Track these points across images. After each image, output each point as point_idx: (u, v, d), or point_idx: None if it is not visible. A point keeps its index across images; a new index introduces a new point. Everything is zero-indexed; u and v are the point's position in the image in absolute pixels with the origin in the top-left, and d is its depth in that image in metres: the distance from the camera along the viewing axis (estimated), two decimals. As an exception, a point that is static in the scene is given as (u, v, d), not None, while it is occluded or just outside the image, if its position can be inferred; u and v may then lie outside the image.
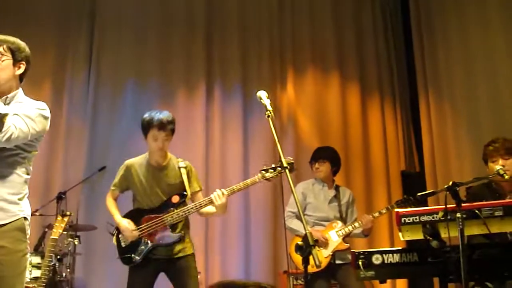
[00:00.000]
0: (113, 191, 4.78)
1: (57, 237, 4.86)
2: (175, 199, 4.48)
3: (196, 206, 4.42)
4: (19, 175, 3.11)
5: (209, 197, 4.39)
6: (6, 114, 2.95)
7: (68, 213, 5.08)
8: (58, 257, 5.67)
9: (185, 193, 4.51)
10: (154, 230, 4.45)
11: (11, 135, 2.92)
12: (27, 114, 3.05)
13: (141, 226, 4.47)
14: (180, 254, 4.48)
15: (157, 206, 4.52)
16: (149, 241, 4.45)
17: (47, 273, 4.84)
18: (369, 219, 5.30)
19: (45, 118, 3.17)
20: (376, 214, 5.37)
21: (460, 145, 6.59)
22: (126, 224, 4.48)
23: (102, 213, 6.63)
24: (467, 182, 3.69)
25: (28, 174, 3.20)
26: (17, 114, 3.01)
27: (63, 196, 6.23)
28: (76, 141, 7.00)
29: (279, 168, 4.30)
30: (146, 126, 4.55)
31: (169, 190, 4.54)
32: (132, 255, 4.47)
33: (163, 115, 4.51)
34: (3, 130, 2.90)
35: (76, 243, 5.89)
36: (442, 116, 6.94)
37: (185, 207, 4.44)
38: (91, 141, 6.97)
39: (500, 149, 4.30)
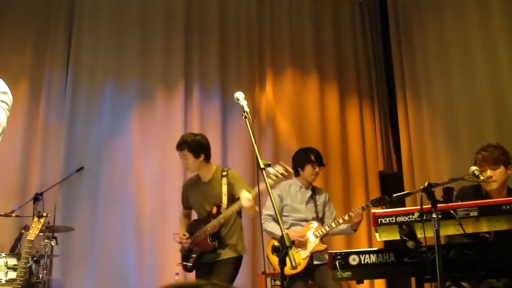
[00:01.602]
0: (183, 210, 5.35)
1: (33, 239, 4.82)
2: (214, 210, 4.88)
3: (228, 213, 4.78)
4: None
5: (238, 202, 4.69)
6: None
7: (44, 214, 5.03)
8: (35, 258, 5.62)
9: (221, 204, 4.85)
10: (200, 239, 4.91)
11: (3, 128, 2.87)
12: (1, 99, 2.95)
13: (193, 235, 4.98)
14: (218, 258, 4.87)
15: (205, 217, 4.96)
16: (196, 249, 4.98)
17: (23, 274, 4.79)
18: (359, 212, 5.30)
19: (5, 93, 2.96)
20: (359, 210, 5.33)
21: (438, 145, 6.64)
22: (182, 236, 5.05)
23: (79, 214, 6.61)
24: (443, 183, 3.73)
25: None
26: None
27: (40, 197, 6.18)
28: (54, 141, 6.93)
29: (280, 175, 4.42)
30: None
31: (214, 202, 4.93)
32: (185, 262, 5.05)
33: (183, 136, 5.05)
34: None
35: (53, 244, 5.83)
36: (419, 117, 6.99)
37: (219, 216, 4.79)
38: (69, 141, 6.91)
39: (489, 159, 4.27)
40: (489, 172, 4.18)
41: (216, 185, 4.96)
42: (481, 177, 3.82)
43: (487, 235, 3.97)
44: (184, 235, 5.01)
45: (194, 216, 5.28)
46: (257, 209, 4.71)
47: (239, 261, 4.95)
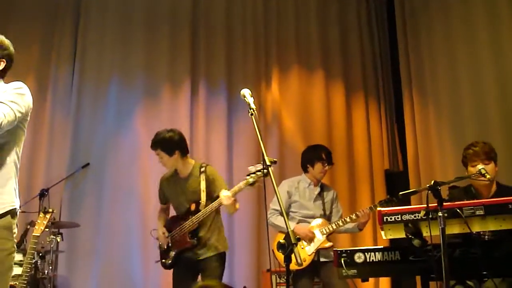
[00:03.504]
0: (160, 206, 5.24)
1: (39, 234, 4.81)
2: (192, 207, 4.79)
3: (206, 210, 4.68)
4: (10, 164, 3.11)
5: (218, 199, 4.63)
6: None
7: (50, 210, 5.03)
8: (40, 254, 5.64)
9: (200, 201, 4.76)
10: (178, 236, 4.85)
11: (1, 122, 2.90)
12: (10, 99, 3.04)
13: (172, 233, 4.92)
14: (202, 257, 4.79)
15: (183, 214, 4.89)
16: (175, 247, 4.88)
17: (29, 270, 4.79)
18: (366, 212, 5.31)
19: (24, 94, 3.13)
20: (367, 210, 5.34)
21: (444, 144, 6.62)
22: (160, 232, 4.99)
23: (85, 210, 6.63)
24: (449, 182, 3.72)
25: (18, 160, 3.18)
26: (1, 102, 2.98)
27: (46, 193, 6.21)
28: (60, 138, 6.95)
29: (259, 173, 4.32)
30: None
31: (192, 198, 4.84)
32: (164, 260, 4.96)
33: (154, 135, 4.92)
34: None
35: (59, 240, 5.85)
36: (425, 115, 6.97)
37: (197, 215, 4.72)
38: (75, 138, 6.93)
39: (481, 153, 4.29)
40: (480, 167, 4.17)
41: (194, 181, 4.88)
42: (488, 176, 3.81)
43: (482, 234, 3.99)
44: (163, 232, 4.96)
45: (172, 212, 5.19)
46: (238, 207, 4.75)
47: (223, 258, 4.90)
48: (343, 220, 5.31)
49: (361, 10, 8.17)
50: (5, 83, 3.22)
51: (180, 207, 4.95)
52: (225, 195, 4.57)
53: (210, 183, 4.83)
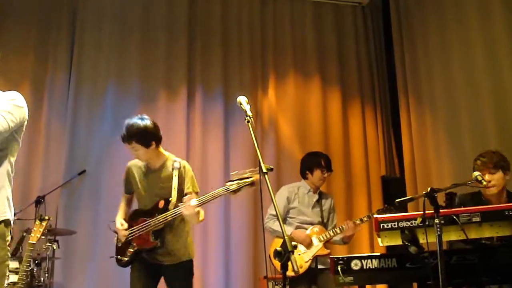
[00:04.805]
0: (123, 195, 4.73)
1: (35, 242, 4.82)
2: (161, 204, 4.34)
3: (171, 215, 4.25)
4: (2, 173, 3.07)
5: (179, 206, 4.22)
6: None
7: (46, 217, 5.03)
8: (36, 261, 5.63)
9: (170, 198, 4.31)
10: (140, 234, 4.37)
11: None
12: (3, 109, 3.01)
13: (133, 228, 4.41)
14: (165, 263, 4.40)
15: (149, 209, 4.42)
16: (135, 245, 4.40)
17: (25, 278, 4.79)
18: (351, 226, 5.30)
19: (20, 107, 3.11)
20: (358, 221, 5.35)
21: (440, 150, 6.63)
22: (118, 225, 4.46)
23: (81, 217, 6.61)
24: (446, 188, 3.73)
25: (12, 171, 3.16)
26: None
27: (42, 200, 6.20)
28: (56, 145, 6.93)
29: (243, 181, 4.04)
30: None
31: (161, 193, 4.41)
32: (120, 256, 4.47)
33: (127, 125, 4.37)
34: None
35: (55, 247, 5.83)
36: (422, 121, 6.99)
37: (163, 214, 4.28)
38: (71, 144, 6.91)
39: (488, 163, 4.33)
40: (487, 177, 4.22)
41: (166, 175, 4.44)
42: (484, 183, 3.82)
43: (488, 241, 3.97)
44: (122, 224, 4.46)
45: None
46: (202, 218, 4.35)
47: (190, 266, 4.49)
48: (340, 227, 5.31)
49: (357, 16, 8.21)
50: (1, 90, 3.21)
51: (145, 201, 4.49)
52: (188, 204, 4.12)
53: (182, 180, 4.41)
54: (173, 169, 4.42)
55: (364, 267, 3.71)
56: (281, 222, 2.91)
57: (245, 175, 4.03)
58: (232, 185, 4.03)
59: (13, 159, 3.17)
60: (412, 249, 3.50)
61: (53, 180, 6.70)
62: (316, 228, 5.38)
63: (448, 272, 3.21)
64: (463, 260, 3.61)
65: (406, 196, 4.04)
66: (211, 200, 4.16)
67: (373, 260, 3.72)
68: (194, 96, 7.35)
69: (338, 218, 5.74)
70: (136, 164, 4.60)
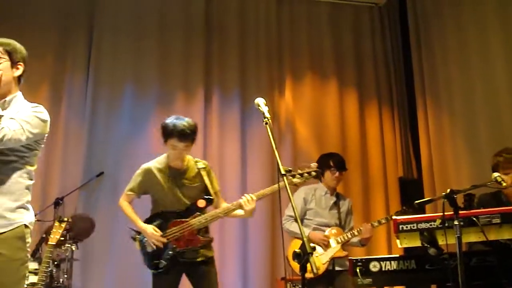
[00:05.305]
0: (129, 196, 4.71)
1: (54, 243, 4.84)
2: (202, 203, 4.45)
3: (225, 211, 4.45)
4: (19, 181, 3.09)
5: (237, 201, 4.39)
6: (1, 116, 2.94)
7: (65, 219, 5.05)
8: (56, 263, 5.65)
9: (211, 197, 4.49)
10: (182, 235, 4.43)
11: (3, 136, 2.90)
12: (23, 118, 3.04)
13: (168, 231, 4.46)
14: (202, 258, 4.49)
15: (183, 211, 4.49)
16: (176, 246, 4.44)
17: (44, 279, 4.82)
18: (368, 228, 5.29)
19: (43, 120, 3.15)
20: (376, 224, 5.35)
21: (458, 151, 6.59)
22: (153, 231, 4.46)
23: (99, 218, 6.63)
24: (465, 190, 3.70)
25: (30, 179, 3.18)
26: (13, 118, 3.00)
27: (61, 201, 6.23)
28: (74, 146, 6.96)
29: (306, 174, 4.37)
30: (167, 134, 4.45)
31: (192, 194, 4.51)
32: (160, 260, 4.46)
33: (186, 124, 4.41)
34: None
35: (74, 249, 5.86)
36: (439, 123, 6.95)
37: (212, 212, 4.47)
38: (89, 146, 6.94)
39: None
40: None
41: (193, 175, 4.55)
42: (504, 184, 3.79)
43: (509, 243, 3.94)
44: (156, 230, 4.44)
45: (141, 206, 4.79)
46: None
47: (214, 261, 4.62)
48: (358, 229, 5.30)
49: (374, 17, 8.18)
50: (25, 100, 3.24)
51: (171, 203, 4.51)
52: (248, 198, 4.36)
53: (211, 180, 4.58)
54: (199, 169, 4.55)
55: (383, 269, 3.71)
56: (299, 223, 2.91)
57: (306, 170, 4.29)
58: (293, 178, 4.29)
59: (31, 168, 3.20)
60: (432, 251, 3.49)
61: (71, 182, 6.74)
62: (334, 230, 5.37)
63: (467, 274, 3.19)
64: (483, 262, 3.59)
65: (423, 198, 4.03)
66: (270, 193, 4.44)
67: (392, 262, 3.71)
68: (211, 98, 7.36)
69: (355, 219, 5.75)
70: (156, 166, 4.61)
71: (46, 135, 3.24)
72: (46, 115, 3.19)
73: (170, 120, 4.47)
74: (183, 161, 4.56)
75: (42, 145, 3.26)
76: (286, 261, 5.22)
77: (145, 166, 4.66)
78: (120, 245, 6.65)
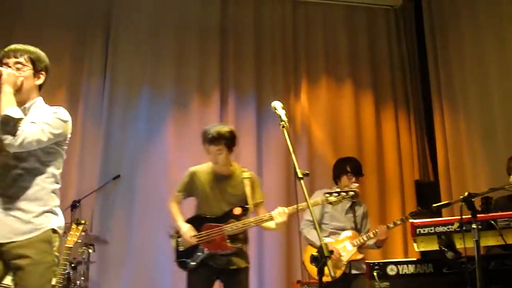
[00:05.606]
0: (176, 196, 4.88)
1: (72, 246, 4.87)
2: (237, 211, 4.56)
3: (256, 221, 4.53)
4: (44, 187, 3.14)
5: (270, 213, 4.46)
6: (20, 119, 2.98)
7: (83, 221, 5.08)
8: (72, 265, 5.68)
9: (247, 206, 4.57)
10: (213, 239, 4.55)
11: (23, 139, 2.95)
12: (43, 120, 3.10)
13: (201, 233, 4.60)
14: (235, 267, 4.57)
15: (219, 216, 4.61)
16: (206, 249, 4.56)
17: (61, 281, 4.84)
18: (384, 230, 5.28)
19: (63, 121, 3.22)
20: (391, 225, 5.33)
21: (475, 154, 6.54)
22: (187, 230, 4.61)
23: (116, 221, 6.67)
24: (483, 193, 3.68)
25: (56, 183, 3.23)
26: (34, 122, 3.04)
27: (78, 204, 6.26)
28: (91, 148, 7.00)
29: (343, 193, 4.48)
30: (202, 139, 4.70)
31: (232, 201, 4.63)
32: (188, 260, 4.61)
33: (217, 129, 4.63)
34: (16, 134, 2.93)
35: (90, 251, 5.90)
36: (456, 125, 6.91)
37: (245, 220, 4.54)
38: (106, 149, 6.97)
39: None
40: None
41: (237, 183, 4.67)
42: (521, 187, 3.77)
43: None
44: (191, 229, 4.62)
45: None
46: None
47: (248, 271, 4.72)
48: (374, 232, 5.29)
49: (390, 20, 8.15)
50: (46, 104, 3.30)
51: (211, 207, 4.67)
52: (280, 211, 4.43)
53: (254, 190, 4.68)
54: (243, 179, 4.65)
55: (400, 272, 3.69)
56: (317, 226, 2.92)
57: (345, 189, 4.39)
58: (330, 197, 4.36)
59: (57, 171, 3.25)
60: (449, 254, 3.47)
61: (88, 184, 6.77)
62: (350, 233, 5.36)
63: (486, 278, 3.18)
64: (501, 265, 3.57)
65: (440, 201, 4.04)
66: (302, 209, 4.42)
67: (409, 266, 3.70)
68: (227, 101, 7.38)
69: (371, 222, 5.73)
70: (203, 170, 4.79)
71: (69, 135, 3.29)
72: (66, 116, 3.26)
73: (208, 126, 4.73)
74: (227, 167, 4.70)
75: (65, 147, 3.31)
76: (302, 264, 5.21)
77: (191, 168, 4.88)
78: (137, 247, 6.69)
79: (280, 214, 4.40)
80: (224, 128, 4.68)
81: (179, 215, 4.78)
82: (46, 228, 3.10)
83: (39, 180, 3.13)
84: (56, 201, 3.23)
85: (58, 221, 3.20)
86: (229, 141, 4.62)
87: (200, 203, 4.79)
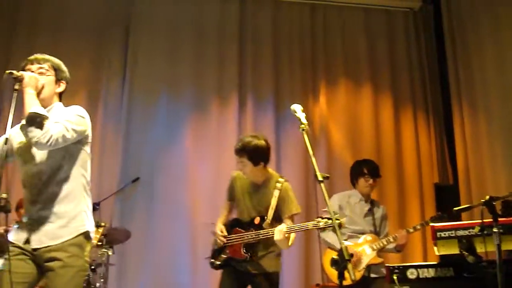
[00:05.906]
0: (226, 204, 4.93)
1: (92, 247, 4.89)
2: (257, 220, 4.54)
3: (263, 234, 4.42)
4: (75, 188, 3.24)
5: (273, 229, 4.33)
6: (46, 117, 3.04)
7: (103, 223, 5.12)
8: (92, 267, 5.71)
9: (265, 217, 4.49)
10: (233, 244, 4.59)
11: (51, 137, 3.03)
12: (65, 118, 3.18)
13: (230, 236, 4.65)
14: (257, 271, 4.53)
15: (246, 222, 4.62)
16: (228, 252, 4.63)
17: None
18: (404, 235, 5.25)
19: (82, 116, 3.30)
20: (411, 230, 5.30)
21: (495, 157, 6.49)
22: (218, 230, 4.71)
23: (135, 224, 6.70)
24: (504, 197, 3.66)
25: (86, 184, 3.33)
26: (57, 122, 3.12)
27: (97, 206, 6.29)
28: (111, 151, 7.05)
29: (329, 221, 4.09)
30: None
31: (259, 209, 4.59)
32: (213, 260, 4.71)
33: (245, 140, 4.57)
34: (43, 131, 2.99)
35: (110, 253, 5.93)
36: (476, 128, 6.86)
37: (257, 231, 4.46)
38: (125, 152, 7.02)
39: None
40: None
41: (267, 193, 4.58)
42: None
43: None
44: (222, 230, 4.68)
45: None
46: (291, 243, 4.37)
47: (274, 278, 4.58)
48: (394, 236, 5.26)
49: (409, 22, 8.13)
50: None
51: (244, 213, 4.67)
52: (279, 229, 4.24)
53: (282, 202, 4.53)
54: (274, 189, 4.55)
55: (420, 276, 3.68)
56: (337, 228, 2.91)
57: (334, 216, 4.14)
58: (320, 222, 4.10)
59: (85, 172, 3.33)
60: (470, 258, 3.45)
61: (107, 187, 6.82)
62: (369, 237, 5.33)
63: (507, 282, 3.15)
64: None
65: (459, 204, 4.02)
66: (298, 231, 4.31)
67: (430, 269, 3.68)
68: (245, 104, 7.39)
69: (390, 225, 5.69)
70: (239, 177, 4.79)
71: (90, 134, 3.33)
72: (84, 112, 3.35)
73: (242, 136, 4.81)
74: (260, 176, 4.64)
75: (88, 148, 3.36)
76: (321, 268, 5.20)
77: (233, 172, 4.89)
78: (156, 249, 6.72)
79: (278, 231, 4.26)
80: (251, 141, 4.53)
81: (221, 215, 4.86)
82: (78, 232, 3.18)
83: (69, 183, 3.21)
84: (88, 201, 3.33)
85: (90, 225, 3.25)
86: (252, 154, 4.49)
87: (237, 207, 4.82)
